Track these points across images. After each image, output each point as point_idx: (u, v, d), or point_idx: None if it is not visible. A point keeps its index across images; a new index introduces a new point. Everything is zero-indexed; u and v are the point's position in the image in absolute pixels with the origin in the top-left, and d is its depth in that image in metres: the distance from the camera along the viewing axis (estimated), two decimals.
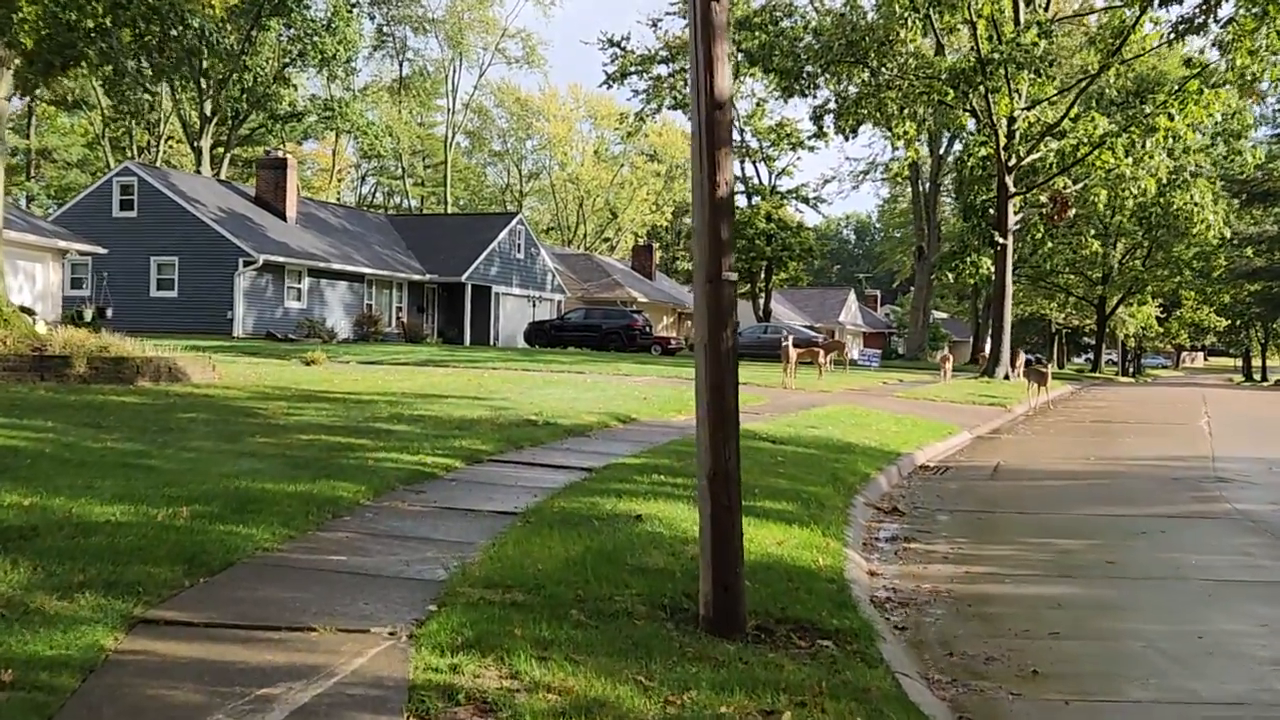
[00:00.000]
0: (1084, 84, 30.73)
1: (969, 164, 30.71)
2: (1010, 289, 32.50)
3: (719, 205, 6.45)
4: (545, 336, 46.96)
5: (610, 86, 55.25)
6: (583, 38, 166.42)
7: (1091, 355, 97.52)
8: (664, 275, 77.37)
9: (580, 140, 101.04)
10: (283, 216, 41.12)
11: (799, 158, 57.07)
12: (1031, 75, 28.81)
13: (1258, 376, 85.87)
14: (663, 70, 55.52)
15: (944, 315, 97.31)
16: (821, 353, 28.98)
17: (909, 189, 69.91)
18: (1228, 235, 34.10)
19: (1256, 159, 31.39)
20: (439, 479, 10.11)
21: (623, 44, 55.12)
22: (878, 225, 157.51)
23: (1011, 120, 30.29)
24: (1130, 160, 29.40)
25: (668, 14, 54.69)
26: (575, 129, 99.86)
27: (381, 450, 11.03)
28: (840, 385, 26.90)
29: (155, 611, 5.51)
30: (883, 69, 30.76)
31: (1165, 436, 20.12)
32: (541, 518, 8.41)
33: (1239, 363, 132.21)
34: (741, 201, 58.65)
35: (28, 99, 76.46)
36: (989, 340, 36.56)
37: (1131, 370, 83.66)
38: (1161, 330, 72.65)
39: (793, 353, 25.21)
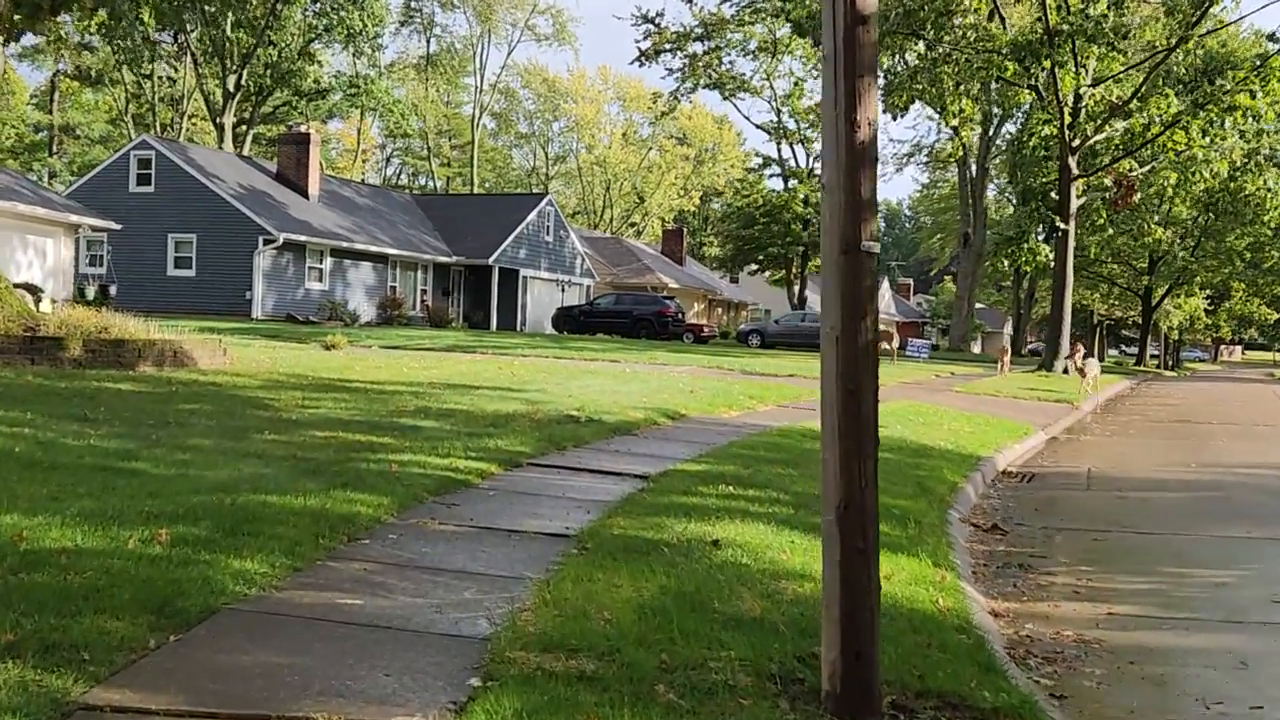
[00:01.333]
0: (1159, 58, 28.84)
1: (1030, 144, 28.97)
2: (1071, 278, 30.76)
3: (858, 151, 4.88)
4: (574, 323, 45.44)
5: (643, 64, 53.71)
6: (614, 14, 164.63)
7: (1134, 348, 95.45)
8: (693, 261, 75.75)
9: (608, 123, 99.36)
10: (305, 194, 39.71)
11: None
12: (1102, 49, 27.06)
13: None
14: (698, 48, 53.86)
15: (980, 305, 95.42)
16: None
17: (952, 173, 68.17)
18: None
19: None
20: (474, 488, 8.66)
21: (657, 20, 53.56)
22: (908, 213, 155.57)
23: (1077, 98, 28.52)
24: (1206, 141, 27.64)
25: None
26: (603, 111, 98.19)
27: (406, 452, 9.58)
28: (893, 378, 25.28)
29: (101, 692, 4.06)
30: (940, 42, 29.03)
31: (1258, 439, 18.49)
32: (601, 544, 6.93)
33: (1277, 356, 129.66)
34: (777, 184, 57.00)
35: (51, 75, 75.45)
36: (1046, 332, 34.82)
37: (1170, 363, 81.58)
38: (1209, 322, 70.52)
39: None
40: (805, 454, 11.69)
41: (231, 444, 9.43)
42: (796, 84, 55.73)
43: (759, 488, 9.43)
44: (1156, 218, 35.21)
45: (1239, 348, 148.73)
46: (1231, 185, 30.25)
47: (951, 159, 44.27)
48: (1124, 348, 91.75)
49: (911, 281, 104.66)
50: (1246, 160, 29.56)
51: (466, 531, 7.19)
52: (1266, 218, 31.09)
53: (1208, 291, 67.47)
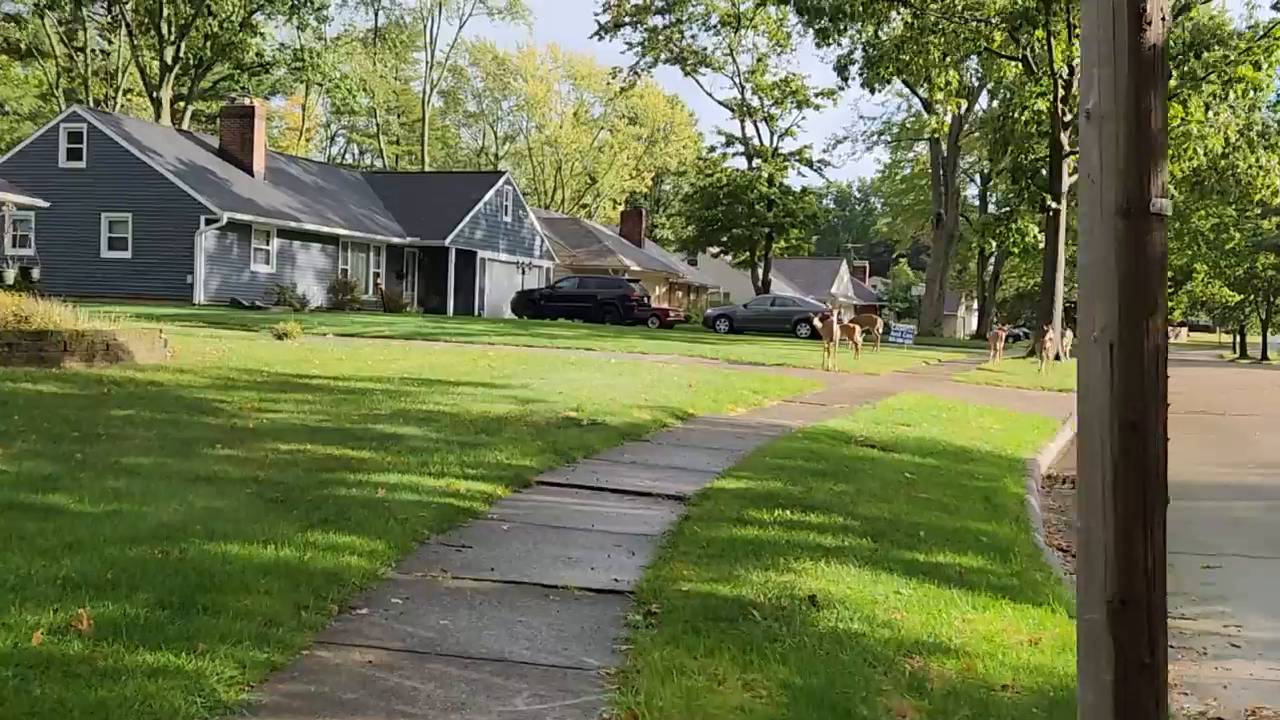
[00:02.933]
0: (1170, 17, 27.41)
1: (1021, 118, 27.57)
2: (1063, 259, 29.45)
3: (1147, 60, 3.16)
4: (534, 307, 43.55)
5: (602, 38, 51.87)
6: None
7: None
8: (651, 243, 74.04)
9: (559, 102, 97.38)
10: (250, 171, 37.43)
11: (803, 117, 54.15)
12: None
13: (1256, 355, 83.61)
14: (658, 21, 52.05)
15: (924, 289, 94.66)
16: (856, 329, 25.85)
17: (915, 153, 66.96)
18: None
19: None
20: (482, 520, 7.02)
21: None
22: (857, 195, 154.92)
23: (1070, 70, 27.13)
24: (1204, 115, 26.44)
25: None
26: (554, 90, 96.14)
27: (393, 470, 7.91)
28: (884, 366, 23.87)
29: None
30: (926, 10, 27.53)
31: None
32: (672, 608, 5.31)
33: (1223, 338, 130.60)
34: (740, 163, 55.38)
35: None
36: (1036, 317, 33.54)
37: None
38: (1172, 304, 70.02)
39: (836, 330, 22.07)
40: (848, 464, 10.16)
41: (177, 464, 7.66)
42: (760, 59, 54.04)
43: (820, 511, 7.86)
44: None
45: (1184, 330, 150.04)
46: (1222, 163, 29.04)
47: (935, 134, 42.85)
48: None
49: (867, 264, 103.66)
50: (1240, 136, 28.37)
51: (490, 589, 5.53)
52: (1256, 196, 29.96)
53: (1170, 274, 66.96)
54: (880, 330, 30.94)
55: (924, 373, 23.65)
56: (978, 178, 59.52)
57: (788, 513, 7.67)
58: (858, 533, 7.37)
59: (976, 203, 60.76)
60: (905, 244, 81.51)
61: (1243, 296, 70.28)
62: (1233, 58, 25.31)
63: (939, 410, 15.59)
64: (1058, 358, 27.22)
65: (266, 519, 6.21)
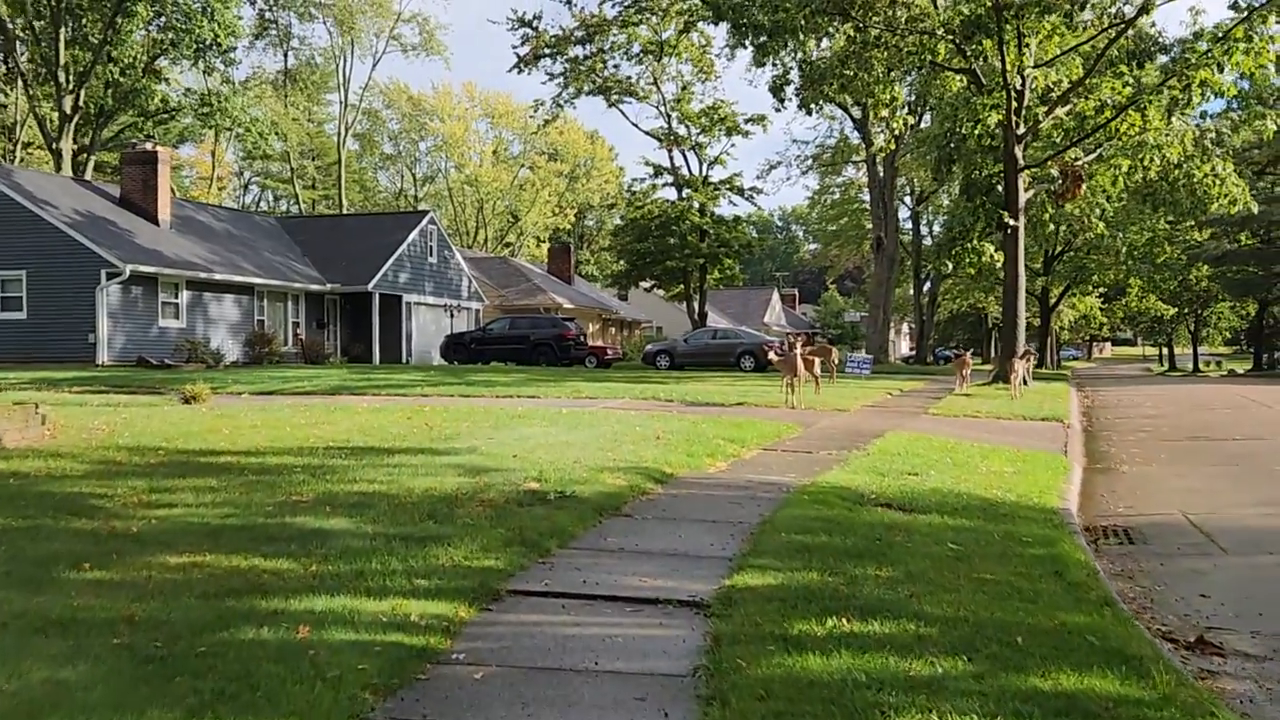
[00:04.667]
0: (1116, 32, 26.16)
1: (974, 133, 26.21)
2: (1023, 279, 28.07)
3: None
4: (465, 351, 41.39)
5: (521, 71, 49.96)
6: (482, 26, 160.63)
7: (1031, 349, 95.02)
8: (581, 279, 72.21)
9: (478, 140, 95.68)
10: (154, 220, 34.90)
11: (733, 144, 52.73)
12: (1057, 19, 24.48)
13: (1182, 367, 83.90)
14: (579, 52, 50.35)
15: (860, 314, 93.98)
16: (815, 362, 24.18)
17: (850, 176, 65.95)
18: (1255, 210, 30.20)
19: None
20: (445, 664, 5.17)
21: (534, 23, 49.93)
22: (778, 223, 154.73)
23: (1023, 79, 25.91)
24: (1163, 124, 25.34)
25: None
26: (472, 129, 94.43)
27: (318, 590, 6.00)
28: (851, 400, 22.21)
29: None
30: (868, 23, 26.14)
31: None
32: None
33: (1146, 351, 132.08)
34: (670, 194, 53.80)
35: None
36: (999, 340, 32.19)
37: (1056, 363, 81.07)
38: (1104, 320, 69.84)
39: (801, 365, 20.34)
40: (877, 535, 8.39)
41: (22, 600, 5.65)
42: (685, 87, 52.58)
43: (881, 616, 6.06)
44: (1098, 211, 32.99)
45: (1108, 345, 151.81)
46: (1177, 173, 27.96)
47: (880, 153, 41.49)
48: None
49: (796, 292, 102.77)
50: (1196, 144, 27.31)
51: None
52: (1213, 206, 28.92)
53: (1101, 290, 66.71)
54: (836, 361, 29.37)
55: (894, 406, 22.03)
56: (908, 199, 58.52)
57: (843, 622, 5.87)
58: (943, 648, 5.56)
59: (908, 225, 59.79)
60: (838, 269, 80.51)
61: (1176, 310, 70.26)
62: (1193, 60, 24.22)
63: (936, 452, 13.91)
64: (1024, 382, 25.79)
65: (132, 700, 4.25)
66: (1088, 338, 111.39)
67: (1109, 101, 26.05)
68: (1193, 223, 53.66)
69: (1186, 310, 71.71)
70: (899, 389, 27.20)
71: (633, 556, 7.58)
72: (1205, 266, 58.33)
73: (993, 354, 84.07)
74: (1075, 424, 20.44)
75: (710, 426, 15.32)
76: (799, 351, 20.24)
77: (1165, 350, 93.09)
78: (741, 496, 10.15)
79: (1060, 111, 27.46)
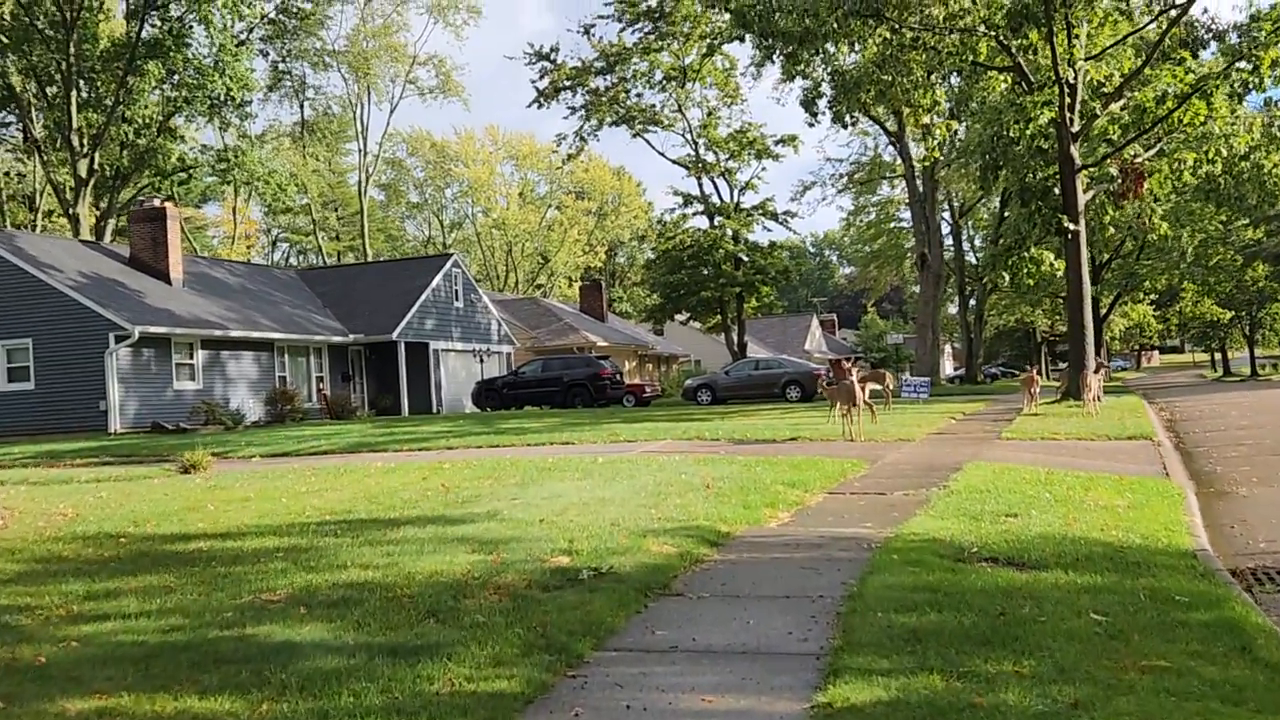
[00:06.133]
0: (1176, 14, 24.26)
1: (1026, 132, 24.32)
2: (1088, 286, 26.06)
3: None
4: (497, 396, 39.75)
5: (542, 105, 48.59)
6: (501, 70, 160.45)
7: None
8: (614, 316, 70.59)
9: (503, 184, 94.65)
10: (166, 278, 33.57)
11: (763, 168, 51.40)
12: (1113, 6, 22.69)
13: (1235, 372, 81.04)
14: (600, 83, 48.91)
15: (902, 335, 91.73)
16: (866, 388, 22.26)
17: (885, 195, 64.03)
18: None
19: None
20: None
21: (552, 56, 48.56)
22: (812, 249, 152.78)
23: (1074, 73, 24.07)
24: (1229, 111, 23.45)
25: (601, 18, 48.19)
26: (496, 172, 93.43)
27: None
28: (914, 429, 20.31)
29: None
30: (904, 24, 24.42)
31: None
32: None
33: (1196, 358, 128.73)
34: (701, 223, 52.08)
35: None
36: (1069, 352, 30.11)
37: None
38: (1160, 328, 67.39)
39: (859, 392, 18.48)
40: (997, 606, 6.59)
41: None
42: (710, 113, 50.99)
43: None
44: (1160, 211, 30.98)
45: (1156, 353, 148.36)
46: (1243, 164, 25.98)
47: (925, 161, 39.54)
48: (1065, 364, 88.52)
49: (835, 317, 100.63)
50: (1267, 131, 25.32)
51: None
52: None
53: (1153, 296, 64.40)
54: (891, 386, 27.43)
55: (960, 431, 20.12)
56: (947, 214, 56.54)
57: None
58: None
59: (949, 240, 57.76)
60: (879, 291, 78.49)
61: (1231, 314, 67.73)
62: (1262, 39, 22.31)
63: (1029, 486, 12.03)
64: (1097, 398, 23.77)
65: None
66: (1136, 347, 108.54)
67: (1170, 91, 24.16)
68: (1246, 221, 51.47)
69: (1242, 312, 69.13)
70: (961, 412, 25.23)
71: (690, 659, 5.80)
72: (1262, 265, 55.93)
73: (1044, 369, 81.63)
74: (1165, 441, 18.47)
75: (766, 469, 13.51)
76: (854, 378, 18.41)
77: (1219, 355, 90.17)
78: (815, 559, 8.34)
79: (1115, 106, 25.59)
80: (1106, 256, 55.35)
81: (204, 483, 14.37)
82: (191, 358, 31.69)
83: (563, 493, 11.73)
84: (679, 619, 6.62)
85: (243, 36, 56.66)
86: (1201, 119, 24.03)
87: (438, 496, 11.82)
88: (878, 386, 25.00)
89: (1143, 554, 8.60)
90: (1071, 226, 24.88)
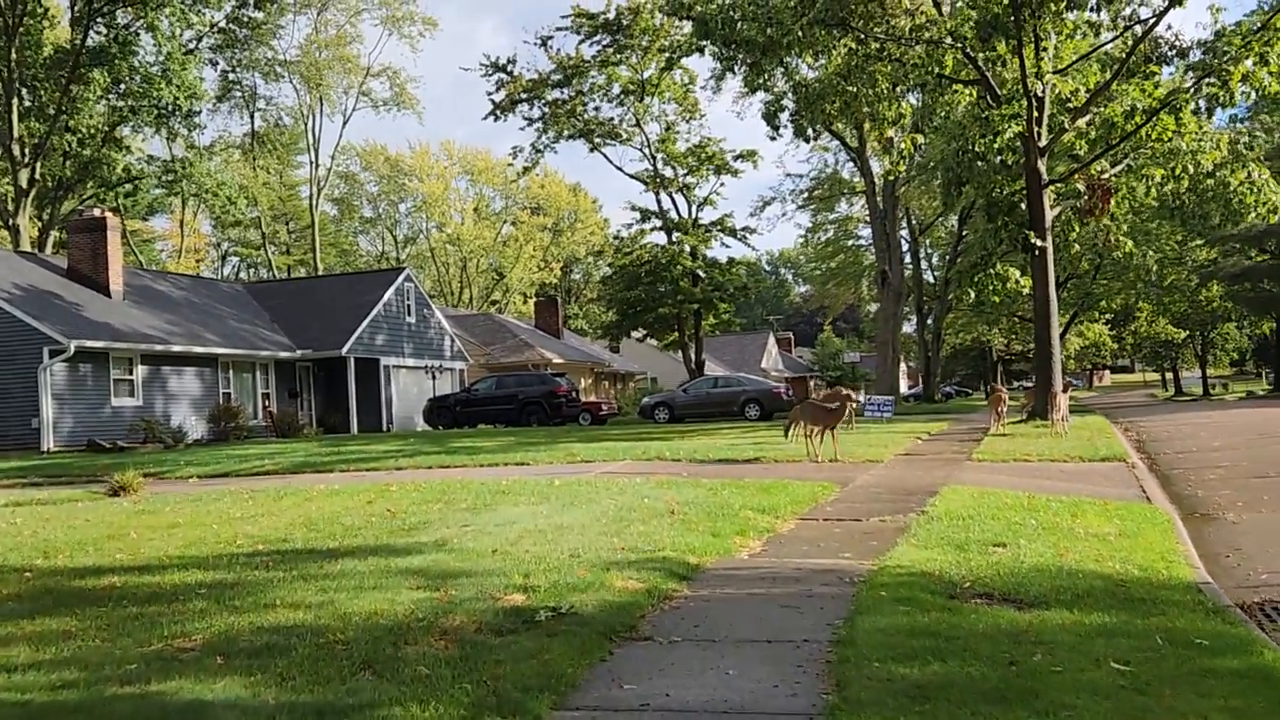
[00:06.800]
0: (1143, 28, 23.93)
1: (992, 148, 23.87)
2: (1055, 304, 25.61)
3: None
4: (450, 414, 38.78)
5: (498, 118, 47.81)
6: (456, 89, 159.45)
7: (1028, 382, 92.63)
8: (570, 333, 69.75)
9: (458, 199, 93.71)
10: (105, 291, 32.38)
11: (722, 184, 50.71)
12: (1082, 18, 22.27)
13: (1198, 390, 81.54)
14: (557, 94, 48.17)
15: (857, 354, 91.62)
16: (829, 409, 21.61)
17: (843, 212, 63.70)
18: None
19: None
20: None
21: (509, 68, 47.80)
22: (768, 267, 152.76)
23: (1043, 87, 23.66)
24: (1198, 127, 23.13)
25: (559, 29, 47.50)
26: (451, 187, 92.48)
27: None
28: (880, 449, 19.67)
29: None
30: (870, 35, 23.92)
31: None
32: None
33: (1147, 377, 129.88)
34: (659, 239, 51.43)
35: None
36: (1033, 372, 29.70)
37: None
38: (1114, 347, 67.58)
39: (826, 416, 17.83)
40: (1003, 654, 5.91)
41: None
42: (669, 128, 50.37)
43: None
44: (1125, 227, 30.67)
45: (1107, 372, 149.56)
46: (1209, 182, 25.67)
47: (890, 175, 39.06)
48: (1018, 382, 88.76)
49: (792, 335, 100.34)
50: (1230, 149, 25.02)
51: None
52: (1250, 216, 26.60)
53: (1109, 315, 64.58)
54: (854, 405, 26.77)
55: (929, 452, 19.51)
56: (904, 232, 56.29)
57: None
58: None
59: (908, 258, 57.50)
60: (835, 310, 78.20)
61: (1185, 333, 68.09)
62: (1232, 53, 21.99)
63: (1012, 511, 11.40)
64: (1064, 419, 23.27)
65: None
66: (1089, 366, 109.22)
67: (1139, 106, 23.81)
68: (1201, 241, 51.64)
69: (1195, 332, 69.54)
70: (926, 432, 24.66)
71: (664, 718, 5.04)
72: (1216, 286, 56.17)
73: (996, 388, 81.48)
74: (1138, 463, 17.96)
75: (733, 493, 12.77)
76: (819, 396, 17.76)
77: (1170, 375, 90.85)
78: (796, 595, 7.61)
79: (1081, 122, 25.21)
80: (1063, 276, 55.33)
81: (132, 506, 13.41)
82: (131, 373, 30.52)
83: (517, 519, 10.93)
84: (649, 669, 5.85)
85: (191, 45, 55.47)
86: (1170, 134, 23.69)
87: (382, 523, 10.98)
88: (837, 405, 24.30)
89: (1145, 588, 7.96)
90: (1039, 243, 24.45)
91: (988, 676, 5.45)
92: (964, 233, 50.96)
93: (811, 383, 43.50)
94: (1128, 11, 26.24)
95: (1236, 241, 48.85)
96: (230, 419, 32.81)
